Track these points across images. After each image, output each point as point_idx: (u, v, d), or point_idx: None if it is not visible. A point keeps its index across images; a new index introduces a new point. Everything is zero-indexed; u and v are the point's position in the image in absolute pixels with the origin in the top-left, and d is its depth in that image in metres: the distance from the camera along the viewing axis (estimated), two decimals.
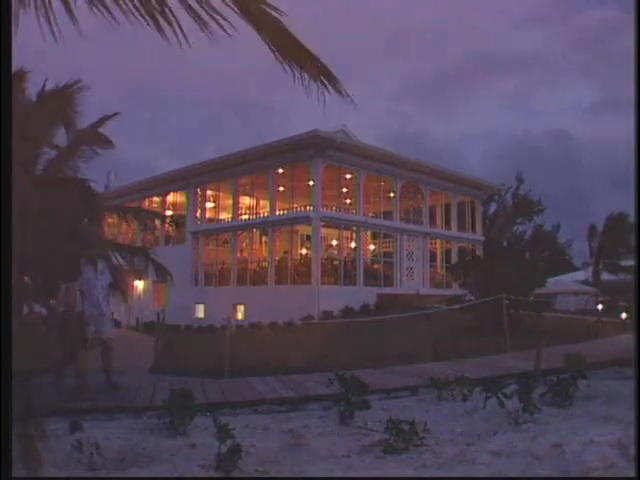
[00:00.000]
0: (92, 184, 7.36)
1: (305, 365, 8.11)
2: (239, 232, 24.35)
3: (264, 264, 23.01)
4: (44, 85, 7.24)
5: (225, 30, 2.45)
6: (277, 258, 22.59)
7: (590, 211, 66.71)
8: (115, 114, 8.63)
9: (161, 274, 11.54)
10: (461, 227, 27.02)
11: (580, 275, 30.84)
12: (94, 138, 8.14)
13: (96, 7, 2.50)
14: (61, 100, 7.37)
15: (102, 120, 8.35)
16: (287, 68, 2.51)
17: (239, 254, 24.38)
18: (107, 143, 8.27)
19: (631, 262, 26.21)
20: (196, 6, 2.53)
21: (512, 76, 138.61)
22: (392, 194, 23.88)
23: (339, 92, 2.56)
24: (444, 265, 24.91)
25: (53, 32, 2.49)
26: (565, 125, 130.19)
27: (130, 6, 2.51)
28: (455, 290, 17.25)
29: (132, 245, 15.93)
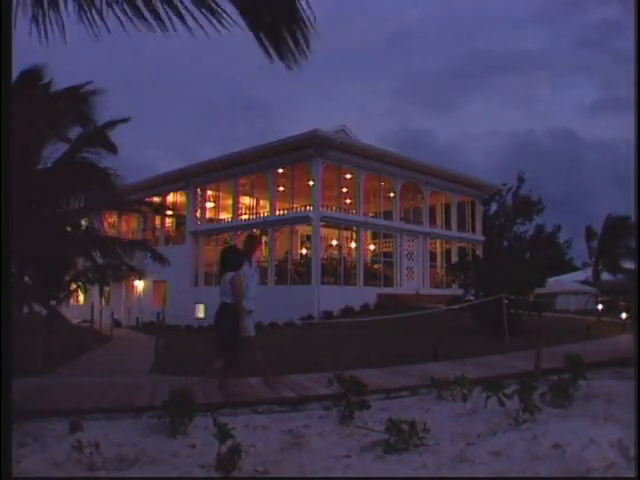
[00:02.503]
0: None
1: (305, 365, 8.10)
2: (239, 232, 24.35)
3: (264, 264, 23.01)
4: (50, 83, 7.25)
5: (226, 27, 2.45)
6: (277, 258, 22.58)
7: (592, 210, 66.79)
8: (124, 119, 8.54)
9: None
10: (461, 227, 27.01)
11: (580, 275, 30.82)
12: (100, 141, 8.10)
13: (98, 8, 2.50)
14: (76, 98, 7.38)
15: (111, 124, 8.29)
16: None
17: None
18: (112, 148, 8.22)
19: (631, 263, 26.21)
20: (197, 6, 2.53)
21: (514, 74, 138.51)
22: (392, 194, 23.88)
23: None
24: (444, 265, 24.91)
25: (64, 33, 2.48)
26: (568, 123, 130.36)
27: (131, 7, 2.51)
28: (455, 290, 17.24)
29: (134, 240, 15.90)
